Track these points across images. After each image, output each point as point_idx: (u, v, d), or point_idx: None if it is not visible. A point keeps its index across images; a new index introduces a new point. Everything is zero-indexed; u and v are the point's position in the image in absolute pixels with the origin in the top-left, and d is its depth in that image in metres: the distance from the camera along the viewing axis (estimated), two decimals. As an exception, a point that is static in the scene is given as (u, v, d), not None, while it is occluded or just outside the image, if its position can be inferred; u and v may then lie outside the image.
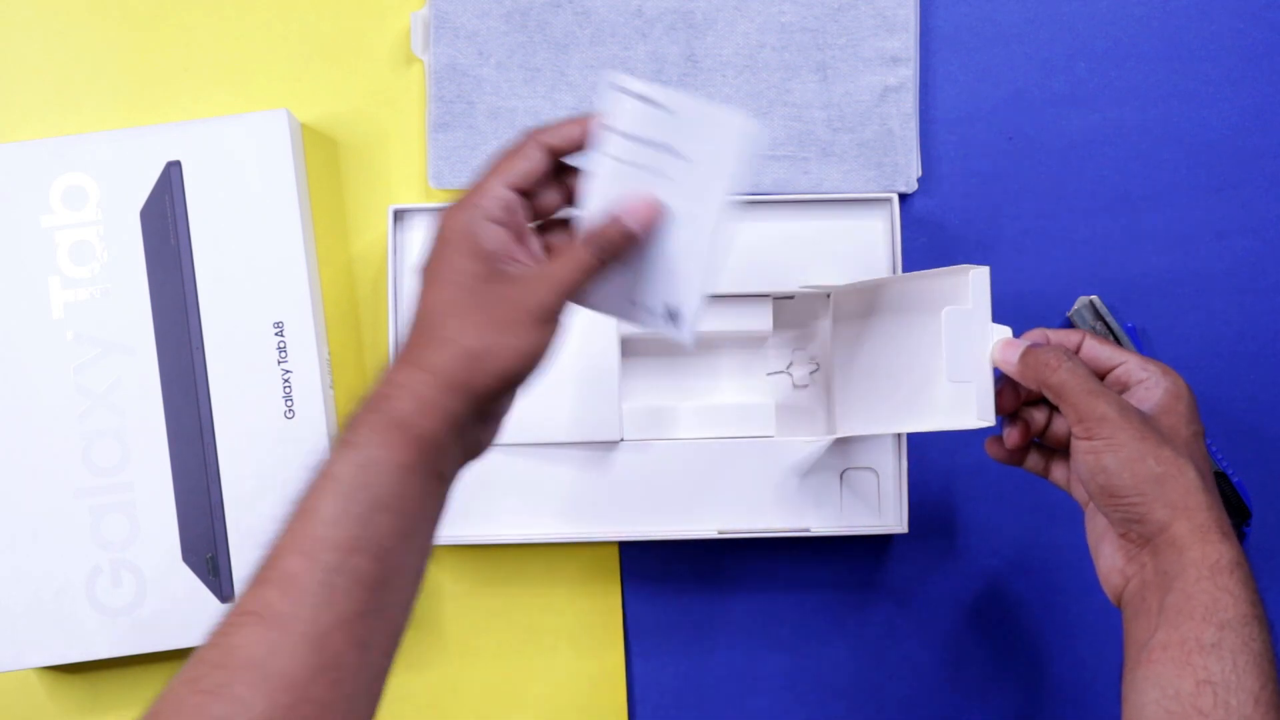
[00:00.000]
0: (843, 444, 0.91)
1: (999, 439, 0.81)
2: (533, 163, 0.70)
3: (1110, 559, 0.75)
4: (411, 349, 0.69)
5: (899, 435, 0.90)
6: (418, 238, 0.92)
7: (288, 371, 0.92)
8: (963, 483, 0.95)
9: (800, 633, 0.95)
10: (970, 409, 0.77)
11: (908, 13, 0.94)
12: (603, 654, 0.95)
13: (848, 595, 0.95)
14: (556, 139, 0.71)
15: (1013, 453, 0.81)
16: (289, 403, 0.92)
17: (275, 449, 0.91)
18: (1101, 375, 0.77)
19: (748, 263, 0.91)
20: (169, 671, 0.94)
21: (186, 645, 0.91)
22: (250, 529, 0.91)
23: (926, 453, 0.94)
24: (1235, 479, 0.92)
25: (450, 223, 0.70)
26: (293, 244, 0.92)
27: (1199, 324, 0.95)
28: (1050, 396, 0.75)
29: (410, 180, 0.96)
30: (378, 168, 0.96)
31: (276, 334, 0.91)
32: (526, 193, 0.71)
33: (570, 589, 0.95)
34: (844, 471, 0.91)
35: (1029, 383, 0.76)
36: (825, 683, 0.95)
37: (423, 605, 0.95)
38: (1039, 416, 0.80)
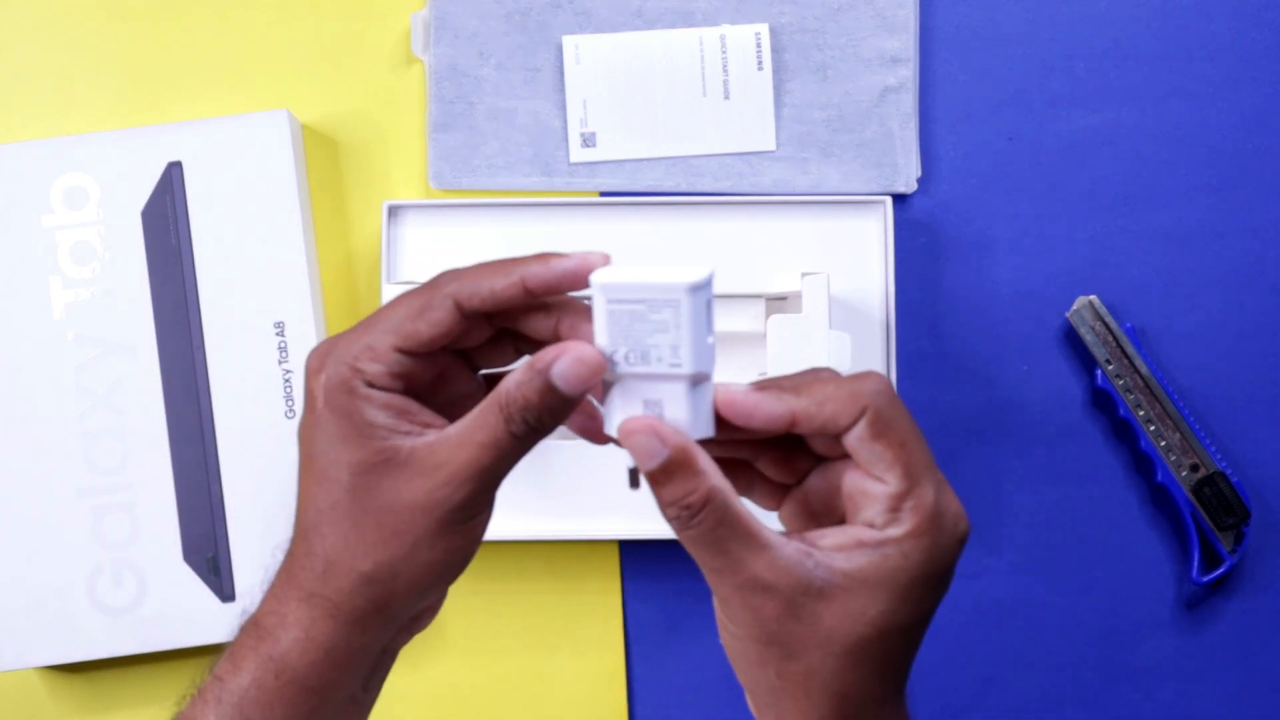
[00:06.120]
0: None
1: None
2: (436, 328, 0.54)
3: None
4: (295, 562, 0.55)
5: None
6: (412, 233, 0.92)
7: (289, 371, 0.92)
8: (960, 481, 0.95)
9: (800, 632, 0.95)
10: None
11: (908, 13, 0.94)
12: (603, 654, 0.95)
13: (847, 595, 0.95)
14: (475, 299, 0.54)
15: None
16: (290, 403, 0.92)
17: (276, 449, 0.91)
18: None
19: (742, 263, 0.92)
20: (170, 671, 0.94)
21: (187, 645, 0.91)
22: (251, 528, 0.91)
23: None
24: (1234, 479, 0.92)
25: (322, 382, 0.54)
26: (293, 244, 0.92)
27: (1199, 324, 0.95)
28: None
29: (411, 181, 0.96)
30: (378, 168, 0.96)
31: (277, 334, 0.91)
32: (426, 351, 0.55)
33: (570, 588, 0.95)
34: None
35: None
36: (825, 682, 0.95)
37: (423, 605, 0.95)
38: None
